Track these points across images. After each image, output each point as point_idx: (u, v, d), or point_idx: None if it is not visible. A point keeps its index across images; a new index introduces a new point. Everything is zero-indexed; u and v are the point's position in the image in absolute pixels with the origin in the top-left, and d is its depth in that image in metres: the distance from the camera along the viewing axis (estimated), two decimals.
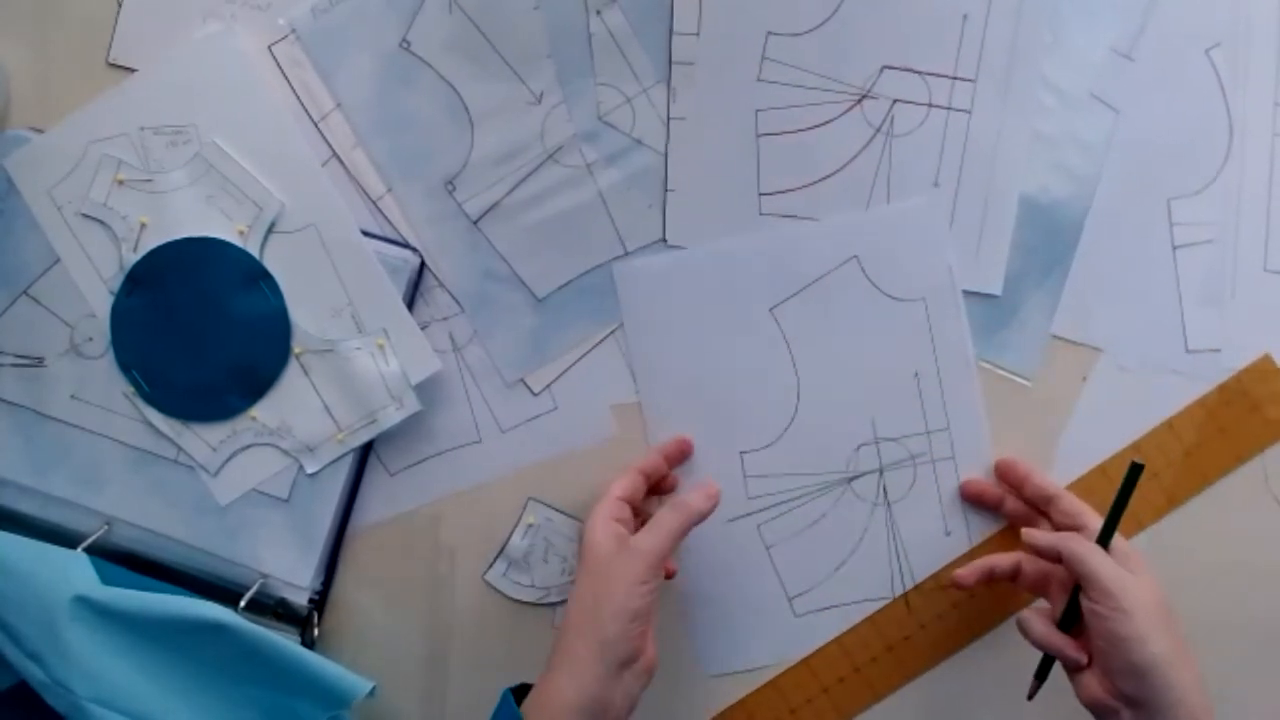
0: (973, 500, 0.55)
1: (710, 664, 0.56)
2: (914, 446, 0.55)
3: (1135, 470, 0.48)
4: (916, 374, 0.54)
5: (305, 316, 0.54)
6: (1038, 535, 0.50)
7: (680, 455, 0.55)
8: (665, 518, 0.48)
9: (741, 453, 0.55)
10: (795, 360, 0.54)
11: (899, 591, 0.56)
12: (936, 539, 0.55)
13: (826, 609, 0.56)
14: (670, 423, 0.55)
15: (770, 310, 0.54)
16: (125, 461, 0.55)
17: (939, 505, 0.55)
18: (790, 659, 0.56)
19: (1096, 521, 0.49)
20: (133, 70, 0.54)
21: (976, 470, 0.55)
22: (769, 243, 0.53)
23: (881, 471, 0.55)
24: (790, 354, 0.54)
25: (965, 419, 0.54)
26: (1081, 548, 0.47)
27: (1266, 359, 0.54)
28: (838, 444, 0.55)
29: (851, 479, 0.55)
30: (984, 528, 0.56)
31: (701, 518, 0.49)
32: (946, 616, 0.55)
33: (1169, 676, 0.44)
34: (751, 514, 0.55)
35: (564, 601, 0.56)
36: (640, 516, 0.52)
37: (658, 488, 0.54)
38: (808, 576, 0.56)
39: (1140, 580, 0.46)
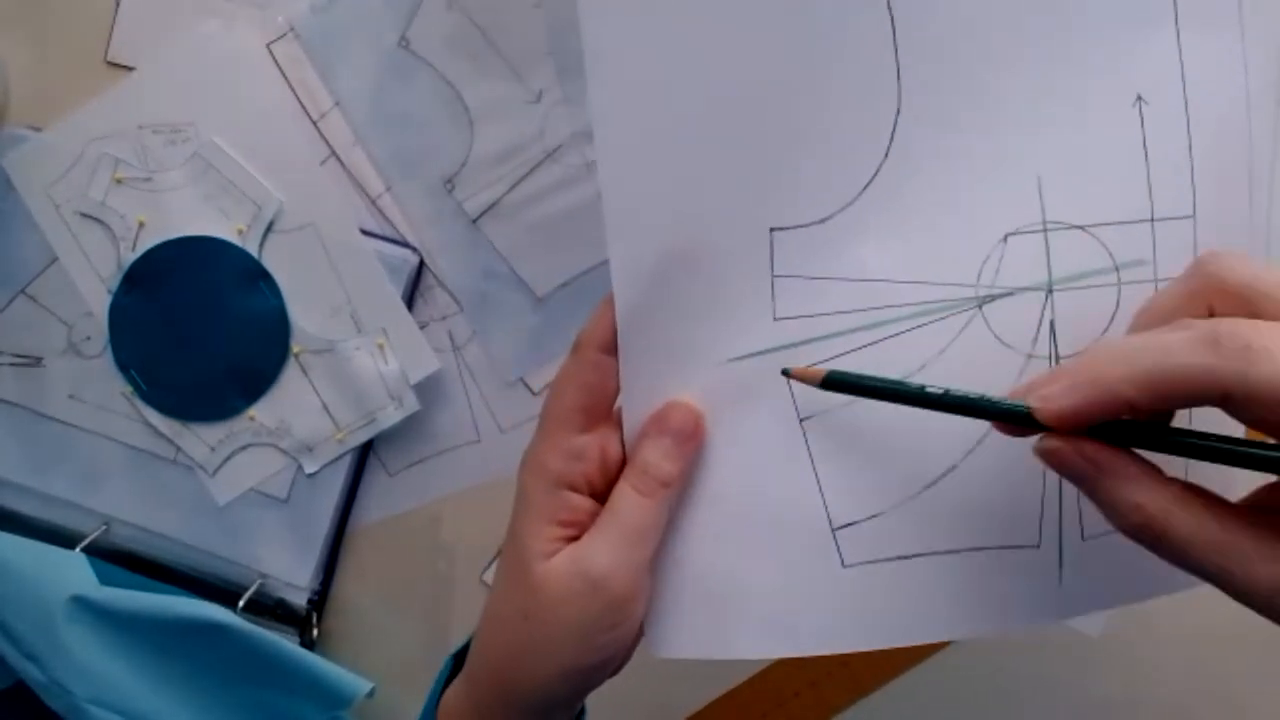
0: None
1: (664, 642, 0.32)
2: (1123, 246, 0.28)
3: None
4: (1140, 100, 0.28)
5: (304, 316, 0.53)
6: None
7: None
8: (633, 509, 0.29)
9: (772, 230, 0.29)
10: (900, 48, 0.28)
11: (1050, 535, 0.30)
12: None
13: (904, 560, 0.30)
14: (645, 172, 0.29)
15: None
16: (123, 461, 0.55)
17: None
18: (800, 651, 0.30)
19: None
20: (131, 69, 0.53)
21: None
22: None
23: (1050, 290, 0.29)
24: (893, 34, 0.28)
25: (1231, 198, 0.29)
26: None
27: None
28: (965, 226, 0.29)
29: (985, 300, 0.29)
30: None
31: (686, 482, 0.30)
32: None
33: None
34: (778, 349, 0.30)
35: None
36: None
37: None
38: (876, 490, 0.30)
39: None
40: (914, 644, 0.30)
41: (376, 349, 0.53)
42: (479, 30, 0.53)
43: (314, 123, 0.54)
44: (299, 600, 0.55)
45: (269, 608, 0.55)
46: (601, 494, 0.31)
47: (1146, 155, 0.28)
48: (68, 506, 0.55)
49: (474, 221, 0.54)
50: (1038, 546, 0.30)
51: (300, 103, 0.54)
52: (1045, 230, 0.28)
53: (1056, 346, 0.29)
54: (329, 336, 0.53)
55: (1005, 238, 0.28)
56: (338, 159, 0.54)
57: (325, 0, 0.53)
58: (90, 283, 0.54)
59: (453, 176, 0.54)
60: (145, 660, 0.48)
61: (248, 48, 0.53)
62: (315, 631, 0.56)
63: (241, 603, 0.53)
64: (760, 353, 0.29)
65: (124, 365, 0.54)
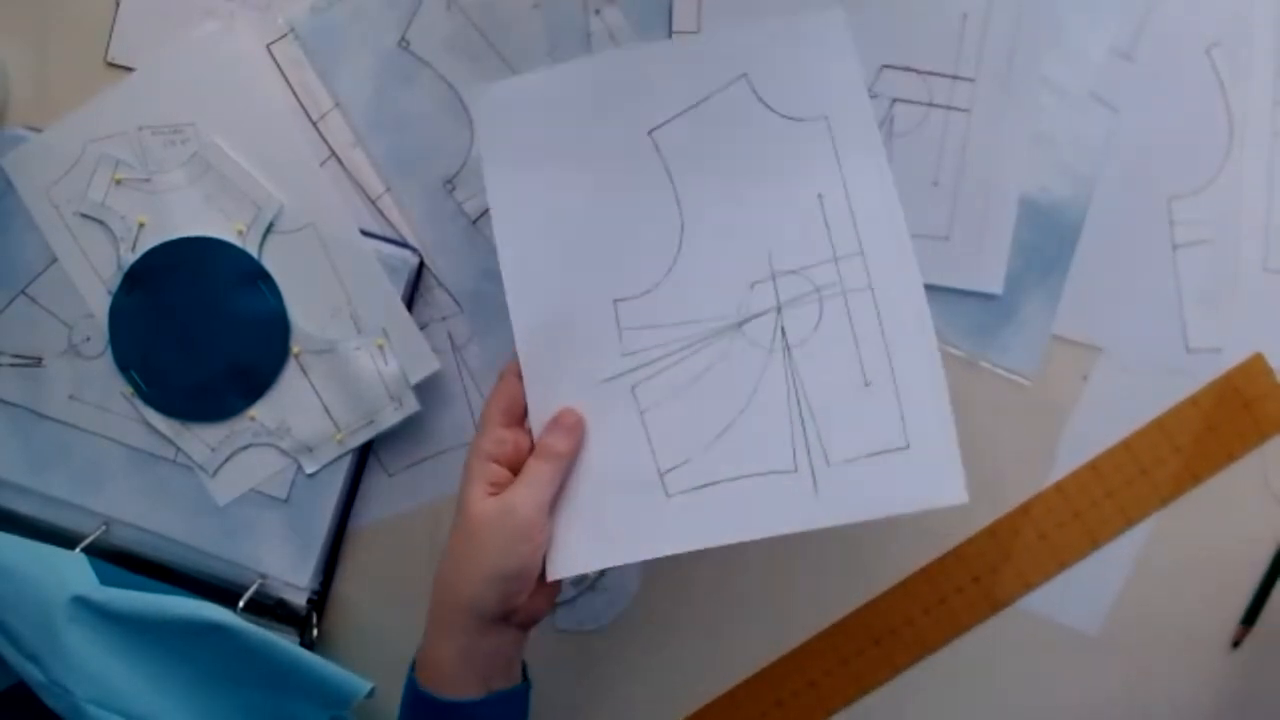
0: None
1: (557, 566, 0.46)
2: (820, 277, 0.46)
3: None
4: (820, 196, 0.47)
5: (304, 316, 0.53)
6: None
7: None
8: (538, 470, 0.46)
9: (616, 301, 0.48)
10: (678, 191, 0.48)
11: (803, 463, 0.46)
12: (852, 391, 0.46)
13: (705, 487, 0.46)
14: (533, 269, 0.48)
15: (649, 133, 0.48)
16: (124, 462, 0.55)
17: (853, 347, 0.46)
18: (647, 555, 0.46)
19: None
20: (131, 69, 0.54)
21: (903, 301, 0.46)
22: (650, 60, 0.48)
23: (779, 310, 0.47)
24: (672, 183, 0.48)
25: (883, 240, 0.46)
26: None
27: (1258, 358, 0.54)
28: (727, 284, 0.47)
29: (743, 322, 0.47)
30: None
31: (573, 457, 0.47)
32: (933, 611, 0.55)
33: None
34: (626, 373, 0.47)
35: (562, 604, 0.56)
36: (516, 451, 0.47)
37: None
38: (686, 445, 0.47)
39: None
40: (723, 544, 0.45)
41: (376, 349, 0.53)
42: (478, 31, 0.53)
43: (314, 123, 0.54)
44: (299, 600, 0.55)
45: (269, 608, 0.55)
46: (517, 471, 0.46)
47: (828, 226, 0.47)
48: (68, 507, 0.55)
49: (474, 222, 0.54)
50: (795, 470, 0.46)
51: (300, 103, 0.54)
52: (774, 278, 0.47)
53: (787, 341, 0.47)
54: (329, 337, 0.53)
55: (752, 285, 0.47)
56: (338, 159, 0.54)
57: (325, 1, 0.53)
58: (90, 283, 0.54)
59: (453, 177, 0.54)
60: (145, 660, 0.48)
61: (248, 48, 0.53)
62: (315, 631, 0.56)
63: (241, 603, 0.53)
64: (615, 376, 0.48)
65: (124, 365, 0.54)
